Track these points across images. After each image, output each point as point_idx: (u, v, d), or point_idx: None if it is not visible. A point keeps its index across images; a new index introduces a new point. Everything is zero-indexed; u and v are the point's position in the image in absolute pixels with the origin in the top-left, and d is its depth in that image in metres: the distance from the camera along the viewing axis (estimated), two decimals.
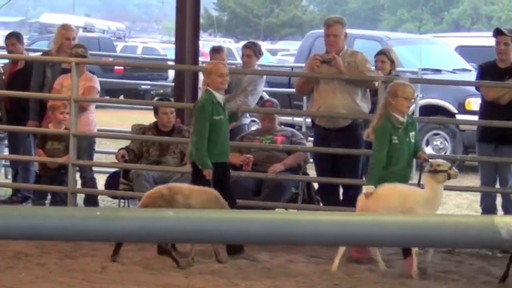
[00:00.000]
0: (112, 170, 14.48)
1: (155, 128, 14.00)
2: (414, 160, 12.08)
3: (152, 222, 3.38)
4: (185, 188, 11.71)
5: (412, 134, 11.56)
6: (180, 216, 3.30)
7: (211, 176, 11.52)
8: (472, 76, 16.74)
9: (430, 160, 11.47)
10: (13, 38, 16.42)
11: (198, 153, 11.71)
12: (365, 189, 11.63)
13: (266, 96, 15.54)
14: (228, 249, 11.53)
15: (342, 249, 11.15)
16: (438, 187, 10.96)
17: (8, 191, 15.11)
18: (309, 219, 3.82)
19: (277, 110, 14.13)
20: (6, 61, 16.22)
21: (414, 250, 10.93)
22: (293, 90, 18.72)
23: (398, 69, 15.02)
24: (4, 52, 16.54)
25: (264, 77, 15.80)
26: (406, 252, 11.36)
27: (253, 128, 14.83)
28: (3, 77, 15.14)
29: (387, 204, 10.92)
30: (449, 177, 10.97)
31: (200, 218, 3.48)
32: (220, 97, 11.82)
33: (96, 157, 15.03)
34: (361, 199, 11.59)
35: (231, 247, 11.48)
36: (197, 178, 11.72)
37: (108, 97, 19.90)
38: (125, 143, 14.34)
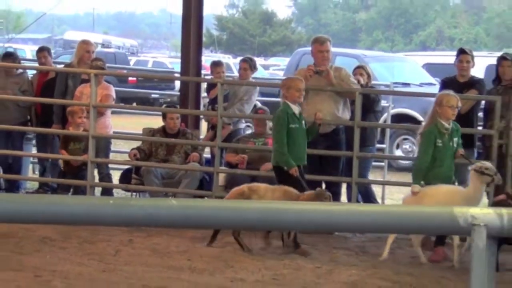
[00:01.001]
0: (126, 167, 14.46)
1: (163, 131, 13.98)
2: None
3: (157, 210, 3.38)
4: (262, 188, 11.66)
5: (455, 139, 11.44)
6: (182, 204, 3.30)
7: (297, 173, 11.44)
8: (436, 89, 16.71)
9: (480, 162, 11.28)
10: (45, 51, 16.45)
11: (282, 156, 11.62)
12: (412, 188, 11.40)
13: (259, 105, 15.46)
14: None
15: (389, 242, 11.17)
16: (481, 187, 10.75)
17: (35, 185, 15.09)
18: (296, 208, 3.83)
19: (268, 116, 14.09)
20: (34, 71, 16.17)
21: (456, 242, 10.87)
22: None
23: (373, 82, 15.02)
24: (34, 64, 16.52)
25: (258, 88, 15.76)
26: (438, 243, 11.37)
27: (248, 132, 14.78)
28: (33, 85, 15.13)
29: (433, 202, 10.64)
30: (493, 181, 10.80)
31: (197, 207, 3.49)
32: (296, 108, 11.71)
33: (112, 156, 15.00)
34: (407, 198, 11.52)
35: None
36: (282, 180, 11.56)
37: (122, 104, 19.84)
38: (137, 143, 14.34)
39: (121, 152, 15.40)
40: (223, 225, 3.96)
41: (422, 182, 11.38)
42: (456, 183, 11.72)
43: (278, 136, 11.78)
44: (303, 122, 11.88)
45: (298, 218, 3.58)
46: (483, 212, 3.16)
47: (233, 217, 3.39)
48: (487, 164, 11.05)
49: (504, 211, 3.19)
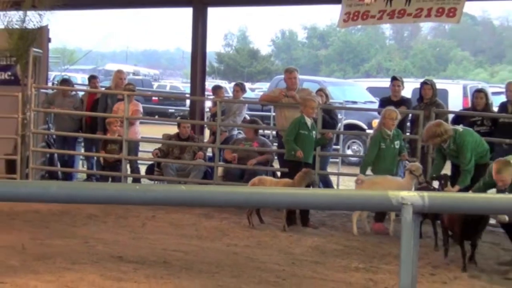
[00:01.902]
0: (150, 162, 14.43)
1: (177, 136, 13.96)
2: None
3: (172, 193, 3.37)
4: (268, 180, 11.61)
5: (396, 142, 11.39)
6: (189, 189, 3.28)
7: (302, 155, 11.36)
8: (376, 105, 16.73)
9: (412, 164, 11.17)
10: (95, 79, 16.53)
11: (288, 145, 11.58)
12: (358, 176, 11.35)
13: (247, 117, 15.45)
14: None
15: (355, 218, 11.04)
16: (411, 180, 10.67)
17: (84, 176, 15.06)
18: (272, 191, 3.83)
19: (257, 126, 14.05)
20: (83, 92, 16.13)
21: (392, 217, 10.85)
22: (264, 113, 18.78)
23: (330, 100, 15.00)
24: (84, 87, 16.46)
25: (246, 105, 15.74)
26: (378, 219, 11.30)
27: (239, 136, 14.74)
28: (84, 103, 15.09)
29: (378, 188, 10.50)
30: (418, 179, 10.71)
31: (200, 191, 3.48)
32: (308, 120, 11.63)
33: (140, 154, 14.96)
34: (357, 185, 11.38)
35: (303, 220, 11.37)
36: (291, 170, 11.45)
37: (147, 116, 19.80)
38: (158, 145, 14.33)
39: (146, 151, 15.35)
40: (219, 204, 3.95)
41: (368, 173, 11.45)
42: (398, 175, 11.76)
43: (287, 134, 11.78)
44: (314, 132, 11.82)
45: (274, 198, 3.57)
46: (410, 195, 3.17)
47: (225, 198, 3.38)
48: (417, 166, 10.99)
49: (425, 194, 3.20)
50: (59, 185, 3.98)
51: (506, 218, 8.55)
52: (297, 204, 4.49)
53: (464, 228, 8.71)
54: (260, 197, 3.57)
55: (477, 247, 9.19)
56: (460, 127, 10.57)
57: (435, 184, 10.51)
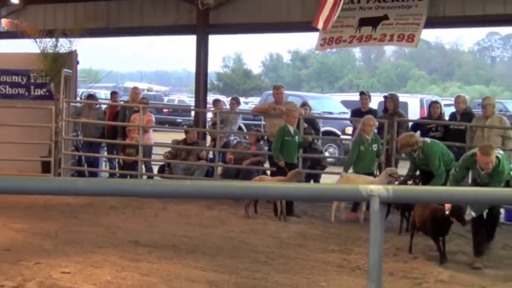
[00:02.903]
0: (161, 163, 14.38)
1: (184, 141, 13.93)
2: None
3: (179, 187, 3.35)
4: (267, 179, 11.68)
5: (374, 145, 11.28)
6: (193, 184, 3.27)
7: (284, 164, 11.35)
8: (348, 115, 16.74)
9: (390, 168, 11.06)
10: (116, 94, 16.57)
11: (274, 154, 11.60)
12: (341, 174, 11.35)
13: (242, 125, 15.49)
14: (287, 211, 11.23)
15: (333, 208, 10.98)
16: (385, 180, 10.31)
17: (107, 174, 15.00)
18: (261, 185, 3.83)
19: (257, 133, 14.09)
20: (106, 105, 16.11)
21: (363, 208, 10.76)
22: (256, 122, 18.77)
23: (312, 111, 14.97)
24: (106, 101, 16.45)
25: (241, 115, 15.77)
26: (354, 209, 11.26)
27: (235, 141, 14.71)
28: (106, 114, 15.06)
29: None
30: (396, 180, 10.50)
31: (202, 185, 3.48)
32: (291, 128, 11.65)
33: (153, 157, 14.92)
34: (338, 180, 11.31)
35: (288, 210, 11.26)
36: (278, 171, 11.44)
37: (159, 125, 19.80)
38: (168, 149, 14.29)
39: (158, 154, 15.31)
40: (218, 196, 3.93)
41: (350, 171, 11.37)
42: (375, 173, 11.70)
43: (274, 142, 11.77)
44: (297, 137, 11.77)
45: (263, 191, 3.55)
46: (377, 188, 3.16)
47: (223, 191, 3.37)
48: (394, 170, 10.96)
49: (389, 187, 3.19)
50: (85, 180, 3.96)
51: (473, 213, 8.42)
52: (284, 196, 4.49)
53: (435, 227, 8.59)
54: (251, 190, 3.55)
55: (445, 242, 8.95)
56: (428, 139, 10.46)
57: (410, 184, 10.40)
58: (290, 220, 11.03)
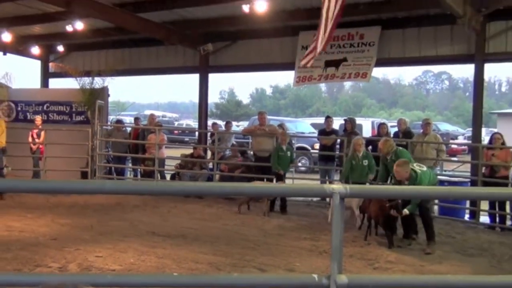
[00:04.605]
0: (172, 172, 14.28)
1: (191, 155, 13.89)
2: None
3: (185, 188, 3.34)
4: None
5: (365, 161, 10.48)
6: (196, 184, 3.26)
7: (282, 172, 11.38)
8: (316, 134, 16.76)
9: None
10: (138, 119, 16.63)
11: (273, 166, 11.47)
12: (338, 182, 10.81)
13: (235, 143, 15.41)
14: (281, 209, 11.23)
15: (329, 212, 10.07)
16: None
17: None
18: (243, 186, 3.83)
19: (241, 148, 14.06)
20: (130, 128, 16.05)
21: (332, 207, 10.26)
22: (245, 140, 18.73)
23: (288, 131, 14.91)
24: (131, 125, 16.40)
25: (234, 135, 15.76)
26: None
27: (230, 155, 14.65)
28: (131, 135, 15.00)
29: None
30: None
31: (203, 186, 3.46)
32: (284, 146, 11.56)
33: (166, 167, 14.82)
34: None
35: (282, 209, 11.24)
36: (278, 178, 11.29)
37: (171, 143, 19.75)
38: (178, 161, 14.24)
39: (170, 165, 15.21)
40: (214, 194, 3.92)
41: (342, 181, 10.61)
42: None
43: (272, 158, 11.65)
44: (288, 152, 11.59)
45: (248, 190, 3.55)
46: (337, 187, 3.16)
47: (218, 190, 3.36)
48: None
49: (347, 186, 3.19)
50: (112, 182, 3.94)
51: (407, 211, 8.43)
52: (263, 194, 4.48)
53: (385, 221, 8.58)
54: (238, 190, 3.55)
55: (395, 232, 8.83)
56: (399, 147, 10.14)
57: None
58: (273, 216, 11.00)
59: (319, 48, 8.47)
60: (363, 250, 8.19)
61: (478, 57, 12.07)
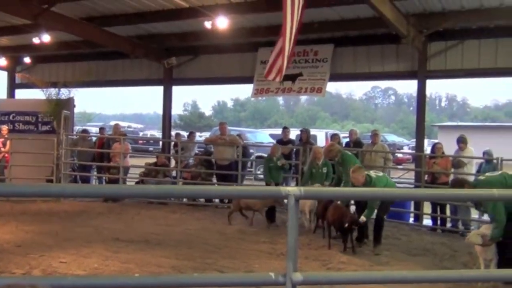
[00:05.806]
0: (137, 180, 14.01)
1: (155, 164, 13.72)
2: None
3: (174, 190, 3.28)
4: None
5: (324, 168, 10.38)
6: (185, 187, 3.20)
7: (274, 184, 10.71)
8: (272, 143, 16.77)
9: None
10: (103, 129, 16.44)
11: (265, 178, 11.14)
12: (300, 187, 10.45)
13: (197, 152, 15.34)
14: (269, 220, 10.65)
15: (304, 218, 10.07)
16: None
17: None
18: (203, 188, 3.78)
19: (203, 157, 13.97)
20: (95, 138, 15.76)
21: (307, 215, 9.98)
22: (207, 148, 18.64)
23: (246, 141, 14.95)
24: (96, 135, 16.16)
25: (196, 144, 15.68)
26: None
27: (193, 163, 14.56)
28: (96, 144, 14.72)
29: None
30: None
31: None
32: (274, 157, 11.03)
33: (130, 175, 14.60)
34: None
35: (270, 219, 10.58)
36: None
37: (135, 152, 19.49)
38: (142, 169, 14.03)
39: (134, 173, 14.96)
40: (176, 195, 3.86)
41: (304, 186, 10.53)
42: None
43: (264, 170, 11.35)
44: (278, 162, 11.07)
45: (209, 193, 3.52)
46: (292, 189, 3.16)
47: (178, 192, 3.32)
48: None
49: (301, 188, 3.19)
50: (72, 186, 3.83)
51: (364, 218, 8.46)
52: (224, 196, 4.43)
53: (342, 227, 8.55)
54: (199, 192, 3.50)
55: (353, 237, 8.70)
56: (344, 151, 10.07)
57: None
58: (234, 220, 10.93)
59: (285, 64, 8.42)
60: (317, 253, 8.23)
61: (421, 73, 12.41)
